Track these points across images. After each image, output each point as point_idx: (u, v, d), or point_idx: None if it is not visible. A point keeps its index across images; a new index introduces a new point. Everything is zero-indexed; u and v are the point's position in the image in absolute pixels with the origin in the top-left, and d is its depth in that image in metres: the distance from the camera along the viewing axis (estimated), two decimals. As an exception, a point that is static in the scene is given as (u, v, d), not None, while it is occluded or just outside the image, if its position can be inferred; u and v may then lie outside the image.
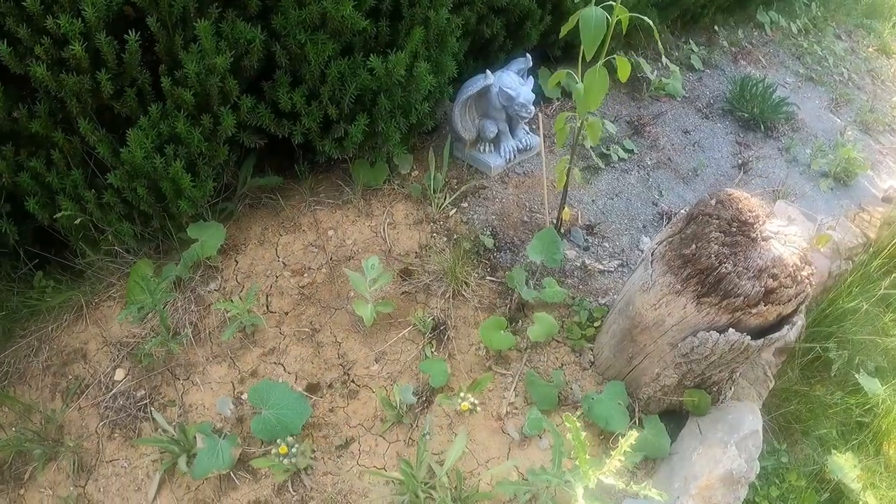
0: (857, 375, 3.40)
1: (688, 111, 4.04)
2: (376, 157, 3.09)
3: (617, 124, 3.72)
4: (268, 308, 2.72)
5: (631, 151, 3.54)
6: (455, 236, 2.97)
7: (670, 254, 2.03)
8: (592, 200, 3.24)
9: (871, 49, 6.27)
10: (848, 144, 4.01)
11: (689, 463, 2.18)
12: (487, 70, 2.93)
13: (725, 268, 1.90)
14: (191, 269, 2.76)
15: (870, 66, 5.89)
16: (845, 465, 3.06)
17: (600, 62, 2.20)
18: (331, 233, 3.01)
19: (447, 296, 2.78)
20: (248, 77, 2.53)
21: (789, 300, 1.92)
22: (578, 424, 1.67)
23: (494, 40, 3.41)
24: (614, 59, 2.28)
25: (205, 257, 2.75)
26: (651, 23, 2.17)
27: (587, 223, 3.09)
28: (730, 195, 2.08)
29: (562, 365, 2.58)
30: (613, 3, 2.09)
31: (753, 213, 2.03)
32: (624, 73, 2.27)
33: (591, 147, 3.39)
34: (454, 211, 3.09)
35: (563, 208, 2.83)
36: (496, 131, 3.14)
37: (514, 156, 3.25)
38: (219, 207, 2.91)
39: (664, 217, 3.18)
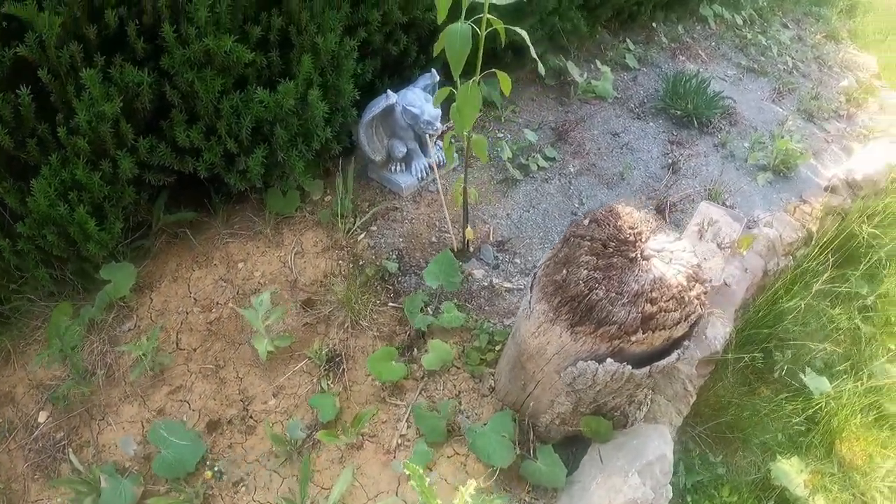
0: (802, 376, 3.16)
1: (619, 112, 3.80)
2: (286, 185, 2.92)
3: (541, 131, 3.48)
4: (177, 345, 2.59)
5: (552, 159, 3.30)
6: (361, 262, 2.74)
7: (545, 279, 1.79)
8: (507, 214, 3.00)
9: (818, 36, 6.02)
10: (787, 136, 3.77)
11: (587, 493, 1.94)
12: (388, 90, 2.75)
13: (596, 294, 1.65)
14: (105, 311, 2.65)
15: (817, 52, 5.64)
16: (791, 471, 2.83)
17: (476, 78, 1.99)
18: (241, 265, 2.83)
19: (346, 326, 2.56)
20: (143, 118, 2.45)
21: (675, 324, 1.67)
22: (421, 471, 1.43)
23: (407, 56, 3.20)
24: (494, 72, 2.11)
25: (118, 298, 2.65)
26: (524, 35, 1.94)
27: (499, 239, 2.85)
28: (609, 212, 1.84)
29: (459, 393, 2.35)
30: (491, 17, 1.88)
31: (635, 230, 1.78)
32: (506, 87, 2.10)
33: (507, 159, 3.15)
34: (363, 235, 2.87)
35: (466, 228, 2.59)
36: (405, 150, 2.94)
37: (427, 174, 3.04)
38: (136, 245, 2.79)
39: (582, 226, 2.93)
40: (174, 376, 2.49)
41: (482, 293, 2.63)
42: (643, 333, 1.64)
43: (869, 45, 6.27)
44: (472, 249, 2.76)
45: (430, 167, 3.03)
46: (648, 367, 1.71)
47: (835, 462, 3.18)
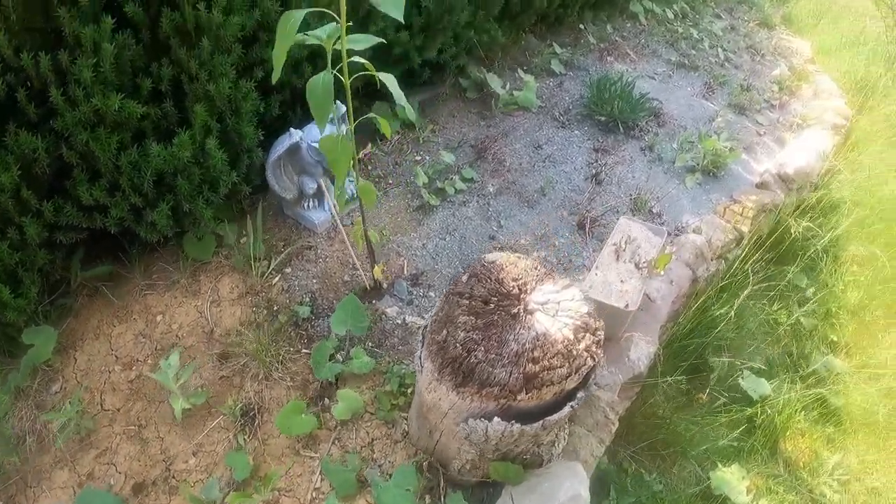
0: (739, 380, 3.07)
1: (543, 122, 3.68)
2: (199, 232, 2.79)
3: (460, 150, 3.35)
4: (101, 406, 2.47)
5: (471, 180, 3.18)
6: (275, 308, 2.61)
7: (429, 337, 1.66)
8: (423, 244, 2.88)
9: (751, 24, 5.97)
10: (715, 134, 3.68)
11: (500, 541, 1.82)
12: (291, 128, 2.63)
13: (475, 356, 1.53)
14: (30, 376, 2.54)
15: (750, 41, 5.58)
16: (732, 479, 2.76)
17: (350, 126, 1.89)
18: (159, 318, 2.70)
19: (259, 377, 2.42)
20: (45, 181, 2.36)
21: (564, 378, 1.55)
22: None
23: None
24: (375, 118, 2.06)
25: (41, 362, 2.55)
26: (391, 81, 1.82)
27: (414, 272, 2.72)
28: (491, 264, 1.72)
29: (372, 440, 2.23)
30: (362, 61, 1.77)
31: (519, 282, 1.66)
32: (386, 130, 2.05)
33: (423, 184, 3.02)
34: (278, 278, 2.74)
35: (375, 268, 2.47)
36: (316, 186, 2.82)
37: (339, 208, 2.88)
38: (58, 304, 2.67)
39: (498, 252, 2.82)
40: (100, 439, 2.39)
41: (395, 332, 2.50)
42: (528, 393, 1.52)
43: (803, 30, 6.24)
44: (385, 286, 2.63)
45: (350, 198, 2.91)
46: (541, 422, 1.59)
47: (780, 462, 3.11)
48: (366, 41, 1.82)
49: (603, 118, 3.67)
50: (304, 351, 2.51)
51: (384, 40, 1.46)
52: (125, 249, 2.81)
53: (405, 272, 2.73)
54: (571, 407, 1.59)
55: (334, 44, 1.75)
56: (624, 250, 2.55)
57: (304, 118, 2.71)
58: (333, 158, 1.84)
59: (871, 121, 4.97)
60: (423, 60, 3.33)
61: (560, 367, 1.53)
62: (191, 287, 2.77)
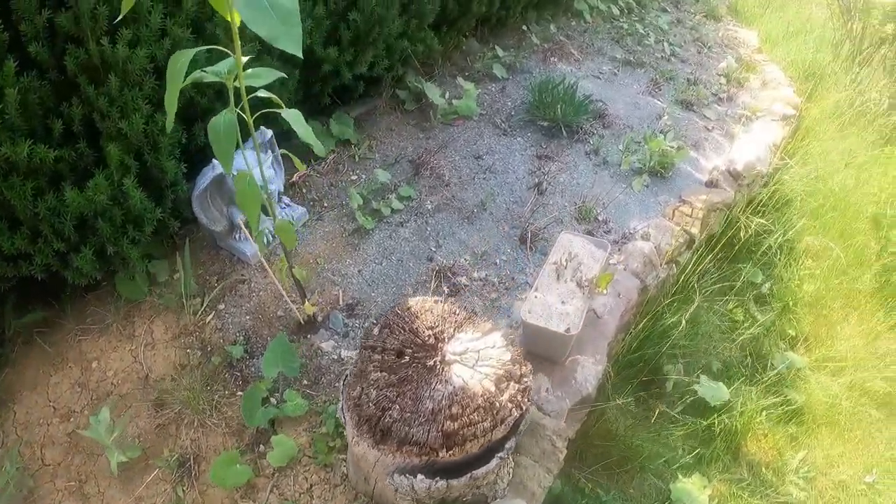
0: (695, 386, 2.96)
1: (484, 130, 3.55)
2: (129, 272, 2.63)
3: (398, 166, 3.21)
4: (42, 461, 2.32)
5: (408, 198, 3.03)
6: (209, 348, 2.46)
7: (346, 392, 1.52)
8: (359, 271, 2.72)
9: (698, 17, 5.89)
10: (661, 134, 3.56)
11: None
12: (214, 159, 2.45)
13: (390, 416, 1.41)
14: None
15: (696, 34, 5.50)
16: (692, 489, 2.67)
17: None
18: (94, 364, 2.54)
19: (195, 424, 2.27)
20: None
21: (487, 432, 1.41)
22: None
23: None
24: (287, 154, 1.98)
25: None
26: (295, 115, 1.67)
27: (350, 301, 2.57)
28: (406, 311, 1.58)
29: (311, 486, 2.10)
30: (268, 95, 1.63)
31: (435, 330, 1.53)
32: (300, 166, 2.00)
33: (358, 206, 2.87)
34: (211, 316, 2.59)
35: (305, 303, 2.31)
36: (243, 216, 2.63)
37: (274, 237, 2.76)
38: None
39: (436, 275, 2.67)
40: (42, 496, 2.26)
41: (332, 368, 2.35)
42: (449, 451, 1.38)
43: (750, 20, 6.18)
44: (320, 318, 2.47)
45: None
46: (468, 476, 1.44)
47: (743, 466, 3.02)
48: (268, 76, 1.68)
49: (546, 123, 3.54)
50: (238, 393, 2.36)
51: (302, 58, 1.31)
52: (55, 297, 2.65)
53: (341, 302, 2.58)
54: (499, 458, 1.45)
55: (234, 80, 1.59)
56: (565, 268, 2.41)
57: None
58: (243, 201, 1.68)
59: (821, 108, 4.91)
60: (355, 75, 3.17)
61: (482, 422, 1.39)
62: (125, 330, 2.61)
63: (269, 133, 2.63)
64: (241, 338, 2.52)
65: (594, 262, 2.45)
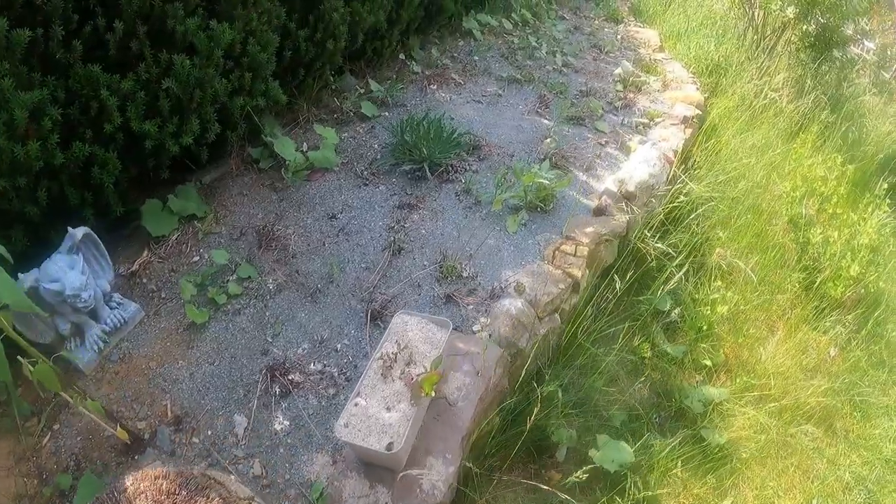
0: (591, 452, 2.44)
1: (344, 182, 3.02)
2: None
3: (242, 240, 2.68)
4: None
5: (249, 279, 2.50)
6: (45, 475, 2.04)
7: None
8: (191, 374, 2.21)
9: (597, 21, 5.40)
10: (537, 164, 3.04)
11: None
12: (20, 273, 2.08)
13: None
14: None
15: (594, 40, 5.01)
16: None
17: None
18: None
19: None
20: None
21: None
22: None
23: (67, 208, 2.39)
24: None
25: None
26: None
27: (178, 413, 2.08)
28: (121, 494, 1.07)
29: None
30: None
31: None
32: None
33: (191, 297, 2.35)
34: (48, 438, 2.12)
35: (118, 430, 1.80)
36: (69, 326, 2.24)
37: (105, 343, 2.32)
38: None
39: (266, 375, 2.14)
40: None
41: None
42: None
43: (652, 18, 5.71)
44: (147, 436, 1.95)
45: (114, 329, 2.34)
46: None
47: (658, 531, 2.51)
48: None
49: (410, 166, 3.02)
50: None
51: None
52: None
53: (169, 414, 2.05)
54: None
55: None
56: (395, 361, 1.88)
57: (39, 260, 2.13)
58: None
59: (726, 103, 4.44)
60: (183, 147, 2.63)
61: None
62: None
63: (80, 233, 2.17)
64: (72, 463, 2.04)
65: (431, 348, 1.93)
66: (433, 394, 1.73)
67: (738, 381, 3.08)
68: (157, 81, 2.50)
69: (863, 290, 3.66)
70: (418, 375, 1.82)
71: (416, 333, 1.97)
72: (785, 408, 3.01)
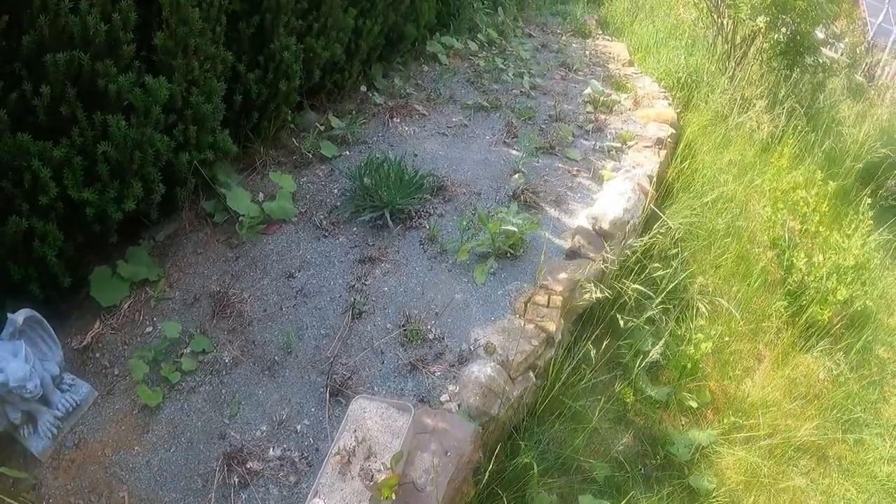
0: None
1: (302, 235, 2.89)
2: None
3: (196, 306, 2.54)
4: None
5: (203, 352, 2.36)
6: None
7: None
8: (147, 461, 2.10)
9: (565, 36, 5.31)
10: (503, 211, 2.92)
11: None
12: None
13: None
14: None
15: (562, 57, 4.92)
16: None
17: None
18: None
19: None
20: None
21: None
22: None
23: (11, 284, 2.28)
24: None
25: None
26: None
27: (135, 507, 1.91)
28: None
29: None
30: None
31: None
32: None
33: (144, 377, 2.23)
34: None
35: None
36: (20, 414, 2.12)
37: (59, 428, 2.20)
38: None
39: (223, 463, 2.01)
40: None
41: None
42: None
43: (620, 30, 5.63)
44: None
45: (66, 413, 2.21)
46: None
47: None
48: None
49: (371, 214, 2.89)
50: None
51: None
52: None
53: None
54: None
55: None
56: (354, 455, 1.76)
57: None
58: None
59: (700, 118, 4.35)
60: (126, 212, 2.49)
61: None
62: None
63: (21, 318, 2.06)
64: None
65: (392, 437, 1.81)
66: (393, 496, 1.60)
67: (725, 420, 2.99)
68: (93, 145, 2.36)
69: (851, 310, 3.60)
70: (378, 472, 1.69)
71: (375, 422, 1.85)
72: (775, 445, 2.92)
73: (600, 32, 5.52)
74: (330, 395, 2.22)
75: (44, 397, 2.16)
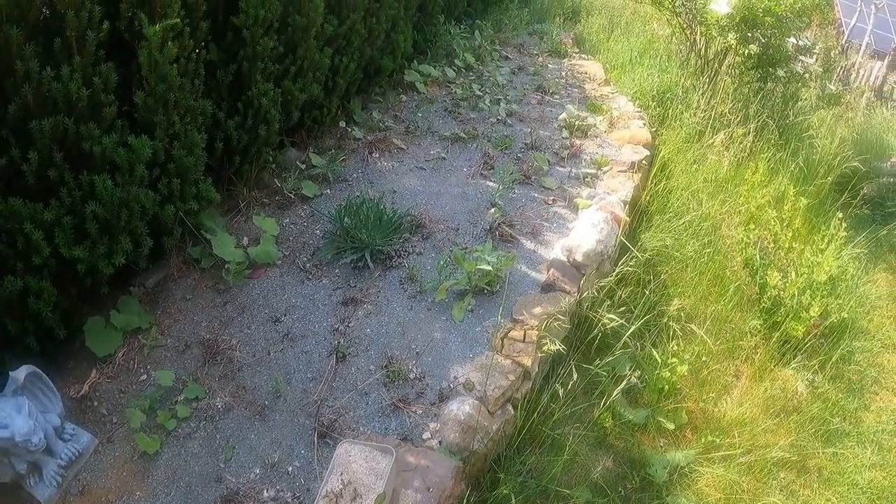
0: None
1: (286, 279, 3.09)
2: None
3: (188, 354, 2.74)
4: None
5: (196, 399, 2.56)
6: None
7: None
8: (148, 508, 2.26)
9: (542, 56, 5.54)
10: (478, 250, 3.13)
11: None
12: None
13: None
14: None
15: (539, 80, 5.15)
16: None
17: None
18: None
19: None
20: None
21: None
22: None
23: (9, 338, 2.47)
24: None
25: None
26: None
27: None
28: None
29: None
30: None
31: None
32: None
33: (141, 425, 2.44)
34: None
35: None
36: (26, 465, 2.29)
37: (63, 476, 2.37)
38: None
39: (223, 505, 2.22)
40: None
41: None
42: None
43: (596, 48, 5.86)
44: None
45: (69, 462, 2.37)
46: None
47: None
48: None
49: (352, 256, 3.10)
50: None
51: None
52: None
53: None
54: None
55: None
56: (342, 497, 1.96)
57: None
58: None
59: (674, 137, 4.58)
60: (116, 266, 2.68)
61: None
62: None
63: (22, 374, 2.22)
64: None
65: (376, 479, 2.01)
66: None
67: (703, 439, 3.19)
68: (81, 204, 2.55)
69: (827, 322, 3.79)
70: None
71: (360, 465, 2.05)
72: (754, 462, 3.11)
73: (577, 51, 5.75)
74: (318, 437, 2.42)
75: (48, 448, 2.33)
